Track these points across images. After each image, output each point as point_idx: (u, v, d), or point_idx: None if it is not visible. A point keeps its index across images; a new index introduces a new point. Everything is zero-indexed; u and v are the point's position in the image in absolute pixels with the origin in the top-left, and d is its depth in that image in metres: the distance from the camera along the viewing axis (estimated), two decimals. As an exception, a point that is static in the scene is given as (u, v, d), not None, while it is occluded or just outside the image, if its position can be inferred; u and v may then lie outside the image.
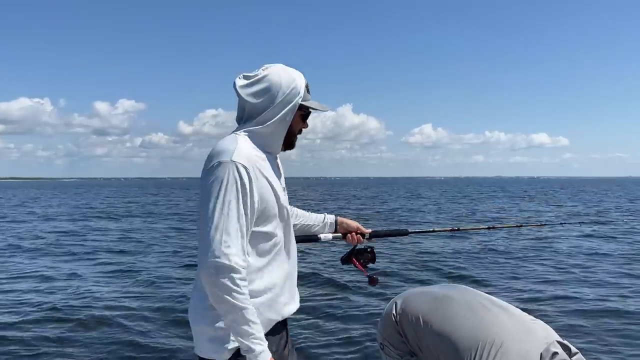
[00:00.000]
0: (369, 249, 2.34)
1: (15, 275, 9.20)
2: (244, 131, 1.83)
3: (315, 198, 41.78)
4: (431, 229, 2.82)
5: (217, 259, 1.61)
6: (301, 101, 1.87)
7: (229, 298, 1.61)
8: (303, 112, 1.92)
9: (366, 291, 7.41)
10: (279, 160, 1.99)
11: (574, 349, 1.85)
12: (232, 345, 1.71)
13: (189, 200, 40.12)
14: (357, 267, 2.30)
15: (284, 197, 1.90)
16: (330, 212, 2.42)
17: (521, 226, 3.22)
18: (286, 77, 1.84)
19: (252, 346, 1.65)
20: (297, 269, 2.00)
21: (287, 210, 1.92)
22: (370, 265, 2.36)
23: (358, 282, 7.86)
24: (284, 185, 1.96)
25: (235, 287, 1.62)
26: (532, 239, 13.24)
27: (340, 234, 2.33)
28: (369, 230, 2.40)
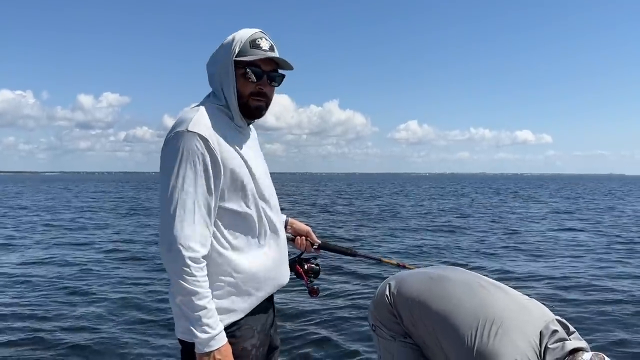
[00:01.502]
0: (316, 264, 2.19)
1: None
2: (208, 103, 1.71)
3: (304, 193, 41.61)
4: (378, 258, 2.68)
5: (171, 241, 1.53)
6: (240, 57, 1.66)
7: (179, 280, 1.52)
8: (243, 70, 1.67)
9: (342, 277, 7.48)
10: (255, 137, 1.87)
11: (571, 328, 1.89)
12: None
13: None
14: (299, 275, 2.14)
15: (262, 175, 1.76)
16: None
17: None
18: (229, 38, 1.71)
19: (196, 332, 1.55)
20: (287, 251, 1.91)
21: (269, 189, 1.80)
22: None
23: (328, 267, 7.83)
24: (264, 166, 1.83)
25: (185, 269, 1.52)
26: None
27: (290, 235, 2.20)
28: (319, 241, 2.28)
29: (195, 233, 1.55)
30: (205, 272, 1.58)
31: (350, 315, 5.87)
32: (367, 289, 6.97)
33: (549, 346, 1.75)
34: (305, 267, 2.15)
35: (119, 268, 8.87)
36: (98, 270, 8.62)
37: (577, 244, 11.74)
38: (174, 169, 1.55)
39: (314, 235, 2.27)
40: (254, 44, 1.68)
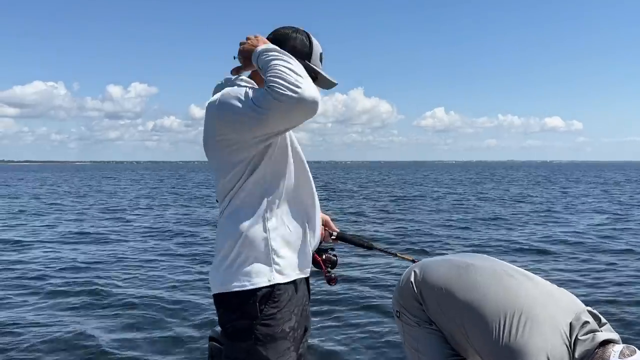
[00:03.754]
0: (334, 254, 2.20)
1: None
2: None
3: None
4: (394, 253, 2.72)
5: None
6: (312, 63, 1.88)
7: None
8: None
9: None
10: None
11: (603, 319, 1.83)
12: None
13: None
14: (317, 264, 2.14)
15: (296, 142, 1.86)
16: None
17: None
18: (303, 39, 1.88)
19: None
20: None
21: (303, 158, 1.87)
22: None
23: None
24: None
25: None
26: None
27: None
28: (337, 230, 2.32)
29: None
30: None
31: (371, 303, 5.97)
32: (384, 280, 7.02)
33: (579, 337, 1.70)
34: (324, 256, 2.16)
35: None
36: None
37: None
38: (240, 94, 1.68)
39: (332, 224, 2.30)
40: (321, 57, 1.90)
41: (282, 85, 1.52)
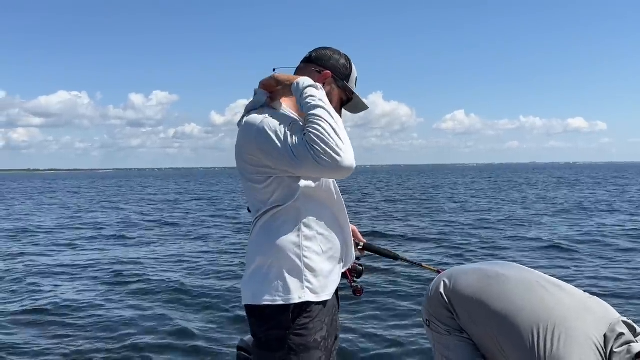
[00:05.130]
0: (360, 264, 2.20)
1: None
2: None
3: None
4: (419, 263, 2.75)
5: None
6: (348, 83, 1.95)
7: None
8: (346, 96, 1.97)
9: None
10: None
11: (638, 329, 1.79)
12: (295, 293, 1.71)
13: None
14: (344, 274, 2.11)
15: None
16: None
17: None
18: (343, 62, 1.94)
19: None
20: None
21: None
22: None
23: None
24: None
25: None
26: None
27: None
28: (364, 241, 2.33)
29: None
30: None
31: (396, 313, 5.92)
32: (409, 289, 6.99)
33: (615, 350, 1.68)
34: (350, 266, 2.13)
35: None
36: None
37: None
38: (271, 131, 1.71)
39: (359, 235, 2.30)
40: (356, 81, 1.94)
41: (324, 149, 1.53)
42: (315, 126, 1.56)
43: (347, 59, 1.91)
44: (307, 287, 1.73)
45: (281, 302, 1.70)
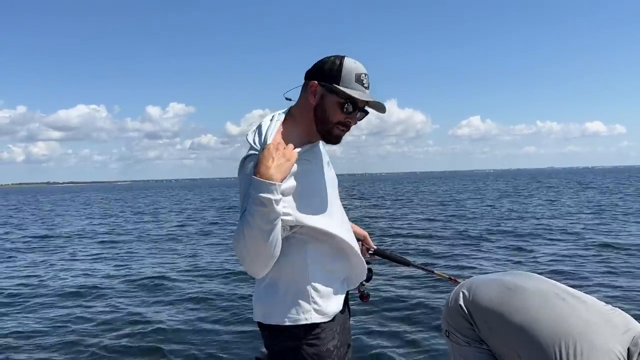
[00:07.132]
0: (369, 269, 2.14)
1: None
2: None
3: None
4: (431, 270, 2.71)
5: None
6: (343, 87, 1.74)
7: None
8: (342, 101, 1.79)
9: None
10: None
11: None
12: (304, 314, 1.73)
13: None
14: None
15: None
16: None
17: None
18: (335, 61, 1.80)
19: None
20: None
21: (336, 193, 1.91)
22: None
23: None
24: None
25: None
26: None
27: None
28: (374, 247, 2.33)
29: None
30: None
31: (402, 322, 5.84)
32: (419, 297, 6.87)
33: None
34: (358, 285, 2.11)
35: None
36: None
37: None
38: None
39: (370, 241, 2.32)
40: (358, 78, 1.72)
41: (236, 252, 1.58)
42: (237, 233, 1.54)
43: (336, 60, 1.73)
44: (314, 309, 1.74)
45: (289, 324, 1.73)
